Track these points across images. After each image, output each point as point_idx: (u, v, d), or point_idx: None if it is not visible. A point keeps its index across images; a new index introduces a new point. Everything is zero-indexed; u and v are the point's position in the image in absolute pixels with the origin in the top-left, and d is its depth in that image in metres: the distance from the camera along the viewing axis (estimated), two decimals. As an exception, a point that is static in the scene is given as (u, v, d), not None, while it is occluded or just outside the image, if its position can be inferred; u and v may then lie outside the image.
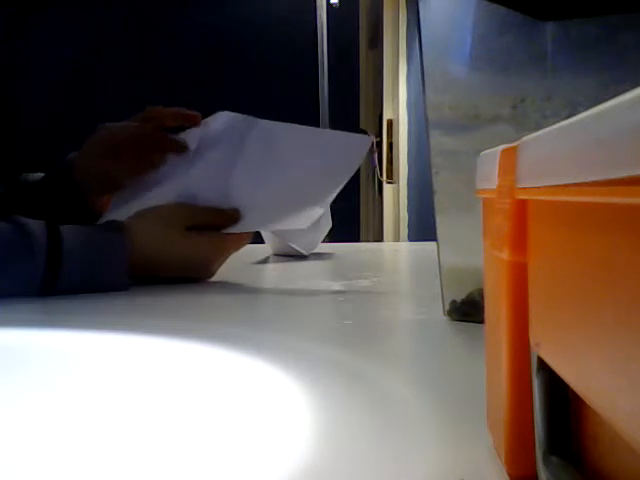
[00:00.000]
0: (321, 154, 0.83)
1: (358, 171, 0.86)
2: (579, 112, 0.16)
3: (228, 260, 0.82)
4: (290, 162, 0.82)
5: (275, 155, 0.82)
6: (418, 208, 2.53)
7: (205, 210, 0.80)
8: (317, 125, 2.54)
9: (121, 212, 0.80)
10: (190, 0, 2.93)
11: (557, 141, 0.17)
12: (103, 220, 0.81)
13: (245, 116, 0.86)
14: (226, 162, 0.83)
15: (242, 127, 0.85)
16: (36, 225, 0.68)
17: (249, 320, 0.59)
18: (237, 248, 0.82)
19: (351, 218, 2.83)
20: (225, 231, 0.79)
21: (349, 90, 2.83)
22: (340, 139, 0.84)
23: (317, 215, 1.12)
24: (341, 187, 0.82)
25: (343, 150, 0.82)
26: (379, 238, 2.74)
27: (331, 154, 0.82)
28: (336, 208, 1.11)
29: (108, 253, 0.71)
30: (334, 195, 0.85)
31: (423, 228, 2.32)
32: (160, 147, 0.85)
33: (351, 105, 2.86)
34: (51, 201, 0.83)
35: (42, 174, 0.88)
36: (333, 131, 0.89)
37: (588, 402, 0.17)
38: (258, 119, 0.85)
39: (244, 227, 0.80)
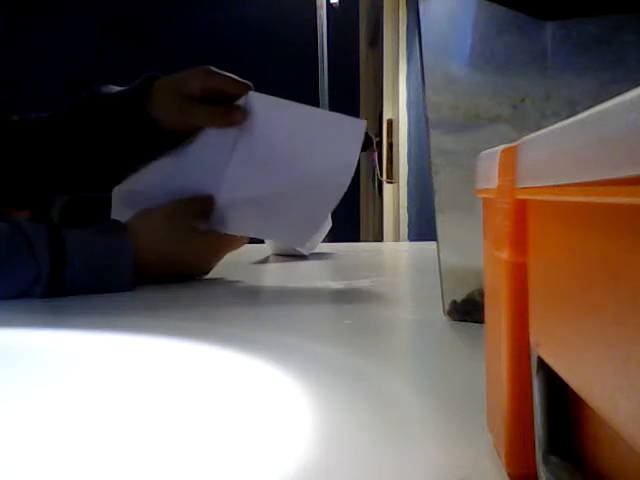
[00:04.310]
0: (315, 146, 0.77)
1: (358, 171, 0.83)
2: (579, 112, 0.16)
3: (228, 260, 0.82)
4: (283, 157, 0.77)
5: (267, 150, 0.78)
6: (418, 208, 2.53)
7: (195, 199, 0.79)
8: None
9: (126, 211, 0.79)
10: (190, 0, 2.93)
11: (557, 141, 0.17)
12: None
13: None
14: (221, 154, 0.79)
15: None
16: (37, 228, 0.68)
17: (249, 320, 0.59)
18: (234, 248, 0.83)
19: (351, 218, 2.83)
20: (222, 231, 0.80)
21: (349, 90, 2.83)
22: (333, 127, 0.78)
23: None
24: (341, 196, 0.77)
25: (339, 146, 0.76)
26: (379, 238, 2.74)
27: (327, 148, 0.77)
28: (336, 208, 1.11)
29: (113, 255, 0.71)
30: (334, 206, 0.80)
31: (423, 228, 2.32)
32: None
33: (351, 105, 2.86)
34: (123, 119, 0.80)
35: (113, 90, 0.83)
36: (324, 113, 0.83)
37: (588, 402, 0.17)
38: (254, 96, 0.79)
39: (239, 229, 0.81)
